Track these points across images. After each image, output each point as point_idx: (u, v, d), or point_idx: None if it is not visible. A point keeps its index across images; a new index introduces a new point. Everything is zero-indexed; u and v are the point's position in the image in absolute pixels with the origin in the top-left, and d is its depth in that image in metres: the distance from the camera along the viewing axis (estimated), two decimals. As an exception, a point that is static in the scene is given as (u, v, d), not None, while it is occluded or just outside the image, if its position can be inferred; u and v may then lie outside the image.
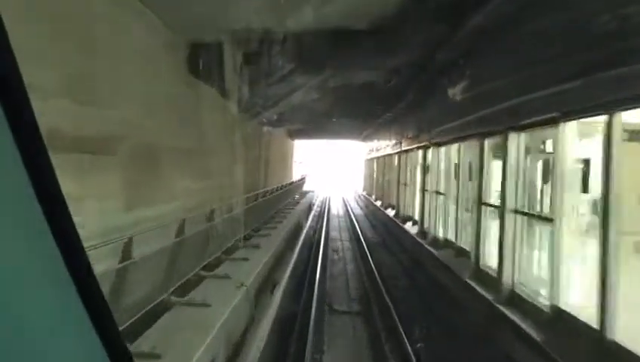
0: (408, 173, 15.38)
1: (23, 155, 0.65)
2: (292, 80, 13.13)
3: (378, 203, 23.79)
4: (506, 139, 6.52)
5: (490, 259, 7.58)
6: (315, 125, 23.44)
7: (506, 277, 6.32)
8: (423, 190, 12.59)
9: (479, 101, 7.86)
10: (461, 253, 8.85)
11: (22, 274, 0.65)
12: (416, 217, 13.73)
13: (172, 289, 6.20)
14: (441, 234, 10.57)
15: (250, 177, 16.32)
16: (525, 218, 6.36)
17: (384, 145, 22.03)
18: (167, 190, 8.20)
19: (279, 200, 20.93)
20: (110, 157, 6.16)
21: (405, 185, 15.88)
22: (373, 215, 25.09)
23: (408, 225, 14.32)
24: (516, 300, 6.09)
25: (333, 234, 22.33)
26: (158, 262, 6.28)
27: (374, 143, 27.32)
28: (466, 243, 8.92)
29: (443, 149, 10.97)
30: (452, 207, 9.86)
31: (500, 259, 6.48)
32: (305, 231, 19.27)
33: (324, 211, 28.67)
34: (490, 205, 7.61)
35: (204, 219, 9.06)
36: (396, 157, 18.16)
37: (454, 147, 9.87)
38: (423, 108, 12.14)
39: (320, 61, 10.37)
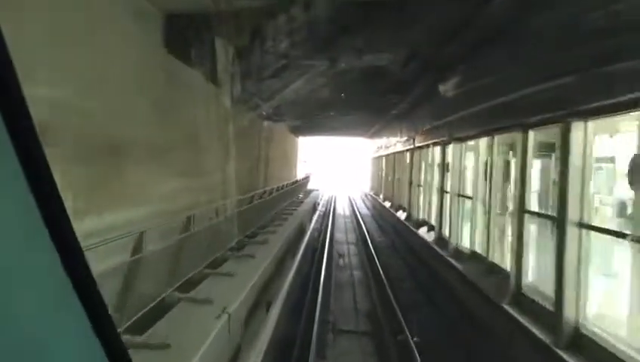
0: (422, 173, 13.81)
1: (18, 154, 0.66)
2: (297, 65, 11.66)
3: (387, 204, 22.23)
4: (567, 130, 4.95)
5: (538, 282, 6.04)
6: (320, 121, 21.85)
7: (569, 313, 4.77)
8: (442, 192, 11.03)
9: (516, 84, 6.33)
10: (494, 270, 7.30)
11: (19, 273, 0.65)
12: (433, 222, 12.17)
13: (125, 325, 4.68)
14: (465, 244, 9.03)
15: (248, 176, 14.80)
16: (594, 234, 4.80)
17: (394, 142, 20.46)
18: (136, 192, 6.69)
19: (281, 200, 19.43)
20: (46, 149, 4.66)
21: (419, 185, 14.32)
22: (381, 216, 23.51)
23: (423, 231, 12.77)
24: (586, 345, 4.54)
25: (339, 236, 20.82)
26: (109, 287, 4.80)
27: (382, 140, 25.74)
28: (500, 258, 7.38)
29: (467, 145, 9.43)
30: (480, 213, 8.32)
31: (559, 287, 4.92)
32: (308, 234, 17.76)
33: (329, 212, 27.14)
34: (539, 214, 6.06)
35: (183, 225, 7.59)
36: (408, 155, 16.59)
37: (484, 142, 8.32)
38: (442, 97, 10.58)
39: (330, 38, 8.85)
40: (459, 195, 9.64)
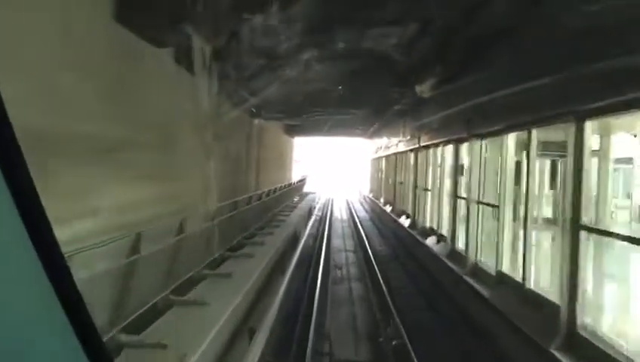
0: (430, 175, 12.29)
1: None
2: (291, 48, 10.14)
3: (387, 208, 20.71)
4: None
5: (600, 319, 4.53)
6: (316, 119, 20.30)
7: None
8: (455, 197, 9.53)
9: (557, 64, 4.86)
10: (533, 300, 5.77)
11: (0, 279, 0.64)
12: (444, 232, 10.66)
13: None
14: (489, 263, 7.52)
15: (234, 180, 13.25)
16: None
17: (395, 142, 18.96)
18: (73, 203, 5.15)
19: (273, 205, 17.90)
20: None
21: (426, 189, 12.81)
22: (381, 221, 22.00)
23: (431, 241, 11.25)
24: None
25: (336, 242, 19.28)
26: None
27: (382, 141, 24.24)
28: (540, 285, 5.87)
29: (490, 142, 7.93)
30: (509, 226, 6.83)
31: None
32: (302, 243, 16.22)
33: (325, 217, 25.61)
34: (606, 233, 4.55)
35: (148, 240, 6.05)
36: (411, 156, 15.09)
37: (512, 138, 6.82)
38: (458, 86, 9.08)
39: (328, 16, 7.36)
40: (479, 202, 8.13)
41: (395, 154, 19.24)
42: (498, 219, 7.03)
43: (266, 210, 15.73)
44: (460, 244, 9.39)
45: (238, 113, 13.64)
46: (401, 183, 17.94)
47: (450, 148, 10.17)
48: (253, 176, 16.69)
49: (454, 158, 9.64)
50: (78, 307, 0.76)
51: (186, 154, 9.32)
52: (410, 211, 14.97)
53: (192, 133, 9.32)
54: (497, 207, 7.13)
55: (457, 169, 9.57)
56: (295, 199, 26.62)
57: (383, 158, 24.84)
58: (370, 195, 31.18)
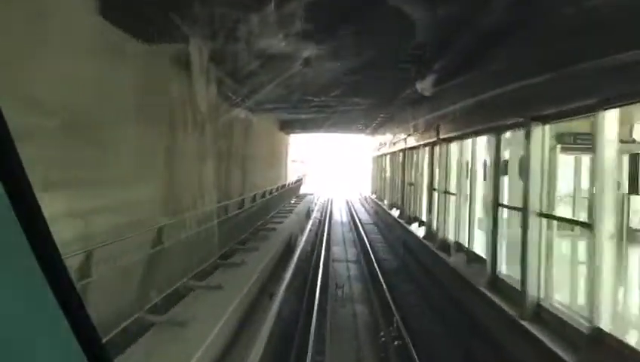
0: (454, 175, 9.81)
1: None
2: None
3: (394, 212, 18.23)
4: None
5: None
6: (313, 112, 17.76)
7: None
8: (496, 205, 7.08)
9: None
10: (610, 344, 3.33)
11: None
12: (478, 250, 8.22)
13: None
14: (538, 293, 5.10)
15: (215, 182, 10.74)
16: None
17: (403, 136, 16.47)
18: None
19: (264, 210, 15.44)
20: None
21: (447, 192, 10.35)
22: (386, 225, 19.54)
23: (458, 260, 8.80)
24: None
25: (336, 249, 16.84)
26: None
27: (386, 137, 21.75)
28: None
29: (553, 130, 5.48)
30: (611, 253, 4.37)
31: None
32: (297, 254, 13.77)
33: (324, 222, 23.14)
34: None
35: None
36: (426, 152, 12.63)
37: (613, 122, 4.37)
38: (508, 53, 6.66)
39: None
40: (541, 214, 5.66)
41: (403, 150, 16.76)
42: (591, 244, 4.54)
43: (252, 219, 13.27)
44: (501, 268, 6.96)
45: (216, 101, 11.16)
46: (411, 184, 15.46)
47: (484, 141, 7.73)
48: (238, 178, 14.21)
49: (495, 153, 7.17)
50: (78, 309, 0.75)
51: (149, 153, 6.92)
52: (425, 218, 12.50)
53: (148, 123, 6.89)
54: (588, 225, 4.64)
55: (499, 167, 7.11)
56: (292, 201, 24.14)
57: (387, 156, 22.36)
58: (373, 196, 28.68)
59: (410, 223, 14.56)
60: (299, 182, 31.47)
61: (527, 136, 5.82)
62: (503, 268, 7.05)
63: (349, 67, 10.76)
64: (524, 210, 5.90)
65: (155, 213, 6.70)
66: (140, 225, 6.04)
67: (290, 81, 12.60)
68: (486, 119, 7.33)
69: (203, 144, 10.38)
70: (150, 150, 7.21)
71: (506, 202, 7.01)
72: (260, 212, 14.58)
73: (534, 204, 5.71)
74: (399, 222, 16.32)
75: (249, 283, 7.63)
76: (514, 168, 6.77)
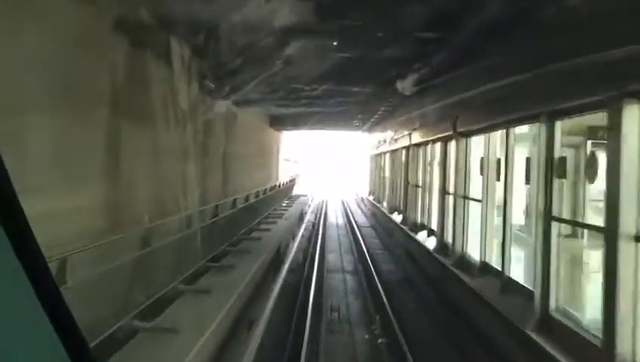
0: (480, 179, 7.85)
1: None
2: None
3: (395, 217, 16.33)
4: None
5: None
6: (306, 105, 15.82)
7: None
8: (549, 219, 5.19)
9: None
10: None
11: None
12: (515, 274, 6.33)
13: None
14: (633, 350, 3.26)
15: (190, 184, 8.81)
16: None
17: (405, 132, 14.58)
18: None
19: (251, 215, 13.51)
20: None
21: (466, 197, 8.45)
22: (386, 231, 17.64)
23: (487, 286, 6.91)
24: None
25: (331, 257, 14.93)
26: None
27: (386, 133, 19.84)
28: None
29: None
30: None
31: None
32: (286, 267, 11.85)
33: (318, 225, 21.21)
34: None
35: None
36: (438, 148, 10.75)
37: None
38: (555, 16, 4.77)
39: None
40: (638, 238, 3.79)
41: (407, 147, 14.86)
42: None
43: (235, 226, 11.33)
44: (557, 302, 5.10)
45: (195, 93, 9.29)
46: (416, 186, 13.57)
47: (534, 134, 5.85)
48: (219, 179, 12.27)
49: (546, 147, 5.27)
50: (62, 311, 0.74)
51: (104, 150, 5.09)
52: (435, 227, 10.61)
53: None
54: None
55: (552, 167, 5.22)
56: (283, 204, 22.16)
57: (387, 154, 20.46)
58: (370, 198, 26.75)
59: (415, 231, 12.67)
60: (292, 183, 29.56)
61: (614, 120, 3.93)
62: (555, 300, 5.18)
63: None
64: (608, 231, 4.01)
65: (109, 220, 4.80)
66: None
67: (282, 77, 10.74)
68: (534, 102, 5.43)
69: (183, 147, 8.62)
70: (95, 146, 5.37)
71: (564, 215, 5.13)
72: (245, 217, 12.66)
73: (627, 224, 3.82)
74: (402, 229, 14.42)
75: (217, 318, 5.70)
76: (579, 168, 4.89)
